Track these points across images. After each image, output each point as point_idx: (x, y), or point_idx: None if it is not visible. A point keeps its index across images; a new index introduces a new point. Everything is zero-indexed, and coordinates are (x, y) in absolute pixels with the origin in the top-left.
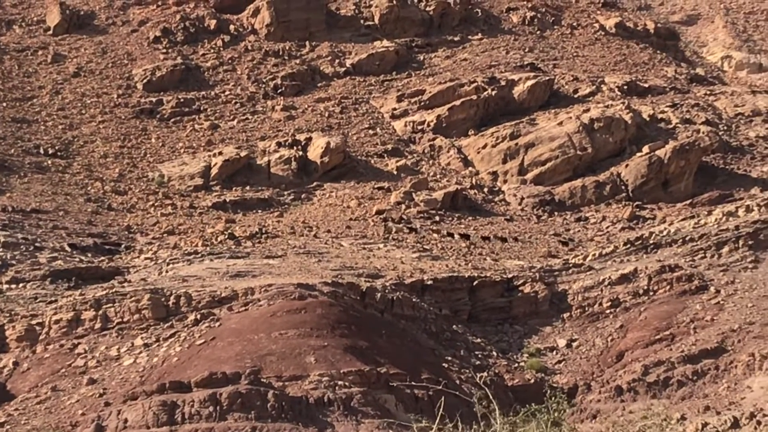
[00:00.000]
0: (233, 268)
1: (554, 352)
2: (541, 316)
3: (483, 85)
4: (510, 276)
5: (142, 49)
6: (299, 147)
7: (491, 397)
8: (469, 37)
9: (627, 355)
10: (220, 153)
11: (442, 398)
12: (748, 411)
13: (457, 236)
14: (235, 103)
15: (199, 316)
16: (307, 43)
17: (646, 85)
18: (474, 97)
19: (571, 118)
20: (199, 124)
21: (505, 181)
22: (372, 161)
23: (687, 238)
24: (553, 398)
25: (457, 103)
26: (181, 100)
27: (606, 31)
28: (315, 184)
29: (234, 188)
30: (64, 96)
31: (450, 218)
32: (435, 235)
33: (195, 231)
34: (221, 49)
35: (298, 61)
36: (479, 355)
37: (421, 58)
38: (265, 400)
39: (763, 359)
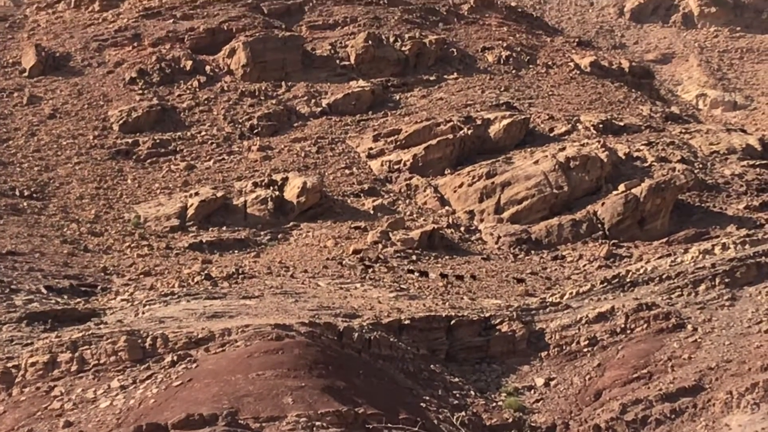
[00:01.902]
0: (210, 308)
1: (532, 391)
2: (518, 355)
3: (459, 124)
4: (487, 315)
5: (118, 90)
6: (276, 187)
7: None
8: (445, 76)
9: (605, 394)
10: (197, 193)
11: None
12: None
13: (416, 273)
14: (212, 143)
15: (175, 358)
16: (283, 83)
17: (622, 124)
18: (450, 136)
19: (547, 156)
20: (176, 164)
21: (481, 220)
22: (348, 201)
23: (664, 276)
24: None
25: (433, 142)
26: (158, 140)
27: (581, 70)
28: (291, 224)
29: (210, 229)
30: (40, 138)
31: (427, 257)
32: (411, 274)
33: (171, 272)
34: (197, 89)
35: (274, 101)
36: (457, 395)
37: (397, 97)
38: None
39: (740, 397)
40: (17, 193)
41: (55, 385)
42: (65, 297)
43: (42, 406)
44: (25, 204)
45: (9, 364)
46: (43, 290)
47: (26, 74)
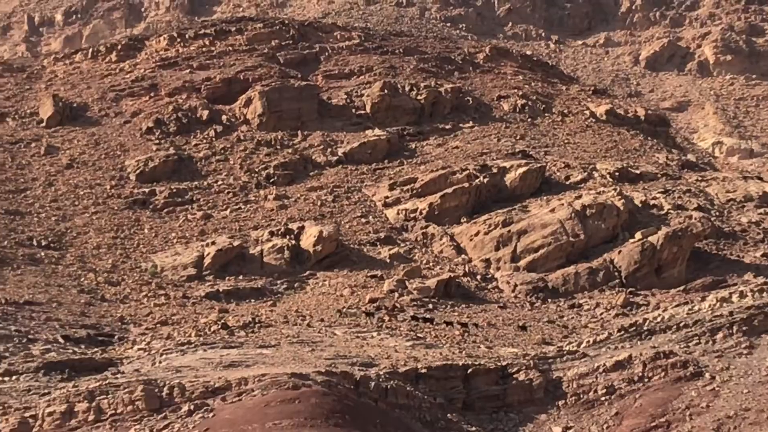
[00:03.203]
0: (226, 358)
1: None
2: (536, 404)
3: (475, 172)
4: (504, 363)
5: (135, 140)
6: (292, 236)
7: None
8: (461, 125)
9: None
10: (213, 243)
11: None
12: None
13: (420, 320)
14: (228, 192)
15: (192, 407)
16: (299, 132)
17: (638, 172)
18: (466, 184)
19: (563, 204)
20: (192, 214)
21: (497, 269)
22: (365, 249)
23: (681, 324)
24: None
25: (449, 190)
26: (174, 190)
27: (596, 118)
28: (308, 272)
29: (227, 278)
30: (57, 187)
31: (443, 306)
32: (428, 323)
33: (188, 321)
34: (214, 139)
35: (290, 151)
36: None
37: (413, 146)
38: None
39: None
40: (34, 243)
41: None
42: (82, 346)
43: None
44: (42, 254)
45: (26, 414)
46: (61, 340)
47: (44, 125)
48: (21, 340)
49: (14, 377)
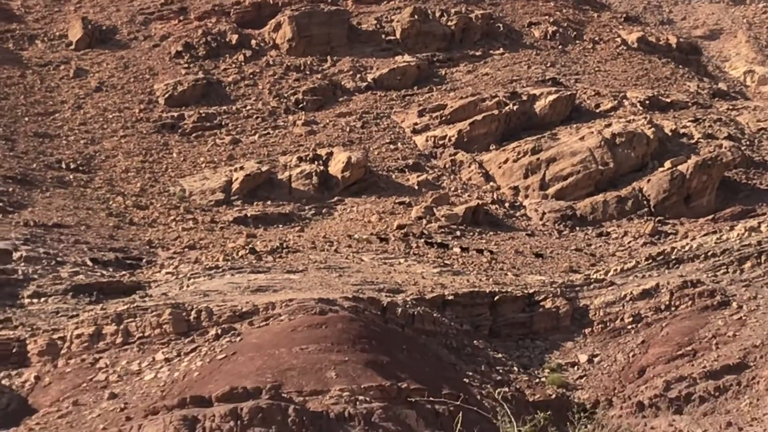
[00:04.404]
0: (254, 282)
1: (575, 368)
2: (562, 332)
3: (504, 99)
4: (531, 291)
5: (164, 63)
6: (320, 162)
7: (509, 412)
8: (491, 51)
9: (649, 371)
10: (242, 168)
11: (460, 414)
12: None
13: (435, 246)
14: (257, 117)
15: (219, 331)
16: (328, 57)
17: (668, 100)
18: (495, 111)
19: (593, 133)
20: (221, 138)
21: (526, 196)
22: (393, 176)
23: (709, 254)
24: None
25: (479, 117)
26: (203, 114)
27: (628, 46)
28: (336, 198)
29: (255, 203)
30: (86, 111)
31: (471, 233)
32: (456, 250)
33: (216, 246)
34: (243, 63)
35: (319, 76)
36: (500, 371)
37: (443, 72)
38: (285, 414)
39: None
40: (63, 165)
41: (100, 357)
42: (110, 269)
43: (87, 377)
44: (71, 177)
45: (54, 336)
46: (89, 262)
47: (72, 47)
48: (50, 263)
49: (43, 299)
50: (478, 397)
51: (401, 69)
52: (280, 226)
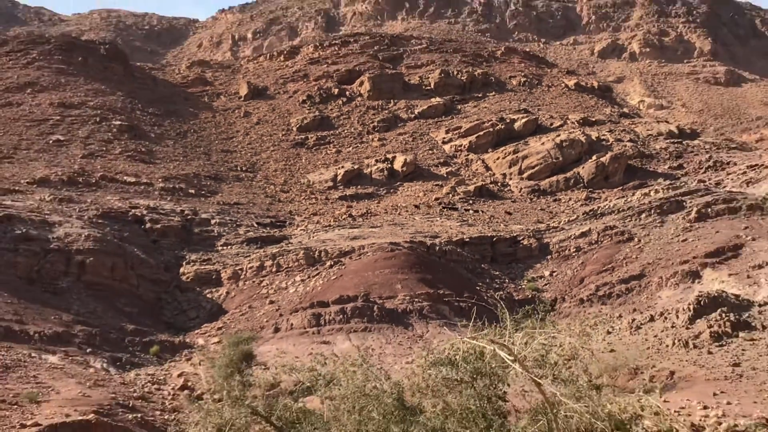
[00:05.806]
0: (352, 233)
1: (542, 279)
2: (534, 258)
3: (496, 122)
4: (515, 235)
5: (296, 107)
6: (389, 162)
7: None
8: (487, 94)
9: (586, 280)
10: (342, 167)
11: (475, 307)
12: (659, 311)
13: (447, 208)
14: (350, 137)
15: (332, 263)
16: (391, 101)
17: (594, 119)
18: (491, 129)
19: (549, 140)
20: (330, 150)
21: (510, 179)
22: (431, 169)
23: (620, 209)
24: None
25: (481, 133)
26: (319, 136)
27: (569, 88)
28: (398, 183)
29: (351, 187)
30: (251, 136)
31: (478, 202)
32: (470, 211)
33: (329, 213)
34: (341, 105)
35: (387, 112)
36: (498, 282)
37: (459, 107)
38: (372, 311)
39: (666, 280)
40: (238, 168)
41: (263, 280)
42: (268, 228)
43: (256, 292)
44: (243, 175)
45: (237, 268)
46: (255, 225)
47: (242, 99)
48: (232, 225)
49: (229, 246)
50: (485, 297)
51: (434, 106)
52: (366, 200)
